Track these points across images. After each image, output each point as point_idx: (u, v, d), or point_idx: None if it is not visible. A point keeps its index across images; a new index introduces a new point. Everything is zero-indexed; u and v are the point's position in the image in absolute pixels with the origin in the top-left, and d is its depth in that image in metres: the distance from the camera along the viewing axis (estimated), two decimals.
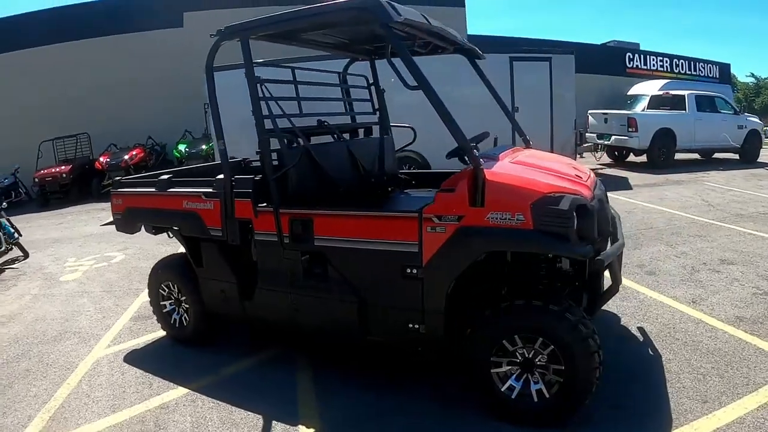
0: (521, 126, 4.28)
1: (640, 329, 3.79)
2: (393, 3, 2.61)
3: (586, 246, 2.45)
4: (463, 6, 20.20)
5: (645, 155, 12.45)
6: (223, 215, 3.41)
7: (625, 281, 4.75)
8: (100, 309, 5.11)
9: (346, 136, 4.40)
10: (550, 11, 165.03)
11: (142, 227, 4.15)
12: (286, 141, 3.24)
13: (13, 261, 7.52)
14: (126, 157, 13.99)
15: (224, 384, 3.41)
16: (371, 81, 4.57)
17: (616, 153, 13.32)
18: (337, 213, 2.98)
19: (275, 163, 3.14)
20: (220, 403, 3.17)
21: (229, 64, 8.65)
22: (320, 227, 3.00)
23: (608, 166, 13.18)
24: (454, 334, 2.78)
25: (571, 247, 2.39)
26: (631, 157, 13.33)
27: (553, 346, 2.49)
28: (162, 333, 4.25)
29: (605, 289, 3.00)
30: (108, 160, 14.09)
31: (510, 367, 2.64)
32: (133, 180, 4.33)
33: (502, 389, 2.65)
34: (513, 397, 2.63)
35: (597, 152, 13.83)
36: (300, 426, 2.86)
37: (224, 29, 3.11)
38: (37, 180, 13.70)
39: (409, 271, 2.70)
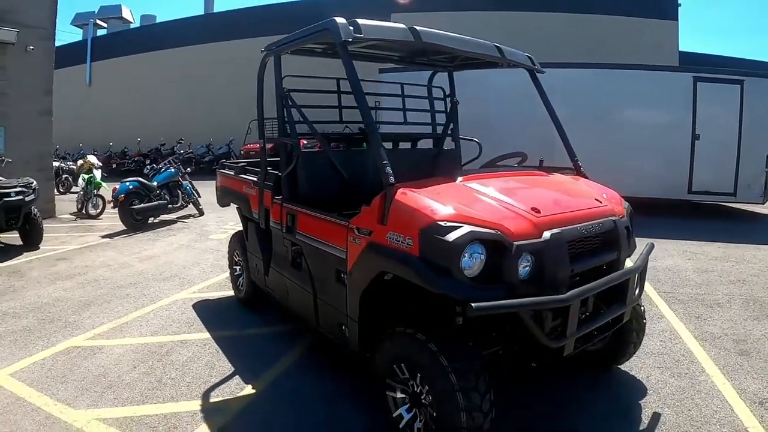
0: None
1: (655, 415, 3.15)
2: (357, 21, 2.74)
3: (483, 288, 2.19)
4: (676, 20, 17.80)
5: None
6: (258, 202, 4.06)
7: (700, 355, 3.92)
8: (213, 265, 6.37)
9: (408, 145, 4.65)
10: None
11: (231, 203, 5.11)
12: (291, 145, 3.64)
13: (188, 216, 9.71)
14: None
15: (236, 340, 4.06)
16: (447, 93, 4.68)
17: None
18: (305, 211, 3.29)
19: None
20: (219, 351, 3.81)
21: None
22: (300, 223, 3.37)
23: None
24: (369, 345, 2.80)
25: (448, 284, 2.16)
26: None
27: (427, 386, 2.35)
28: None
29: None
30: (305, 143, 16.45)
31: (404, 396, 2.54)
32: (229, 164, 5.34)
33: (394, 414, 2.57)
34: (400, 426, 2.53)
35: None
36: (249, 384, 3.31)
37: (266, 47, 3.70)
38: (242, 153, 16.99)
39: (342, 275, 2.87)
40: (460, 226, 2.22)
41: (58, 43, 10.97)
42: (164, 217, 9.30)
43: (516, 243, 2.27)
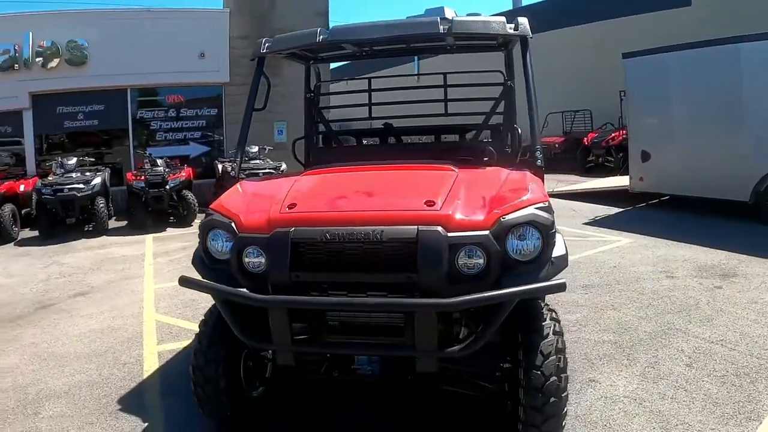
0: None
1: None
2: (273, 38, 3.45)
3: (219, 271, 2.50)
4: None
5: None
6: None
7: None
8: None
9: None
10: None
11: None
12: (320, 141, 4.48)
13: None
14: (609, 137, 14.63)
15: None
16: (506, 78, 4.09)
17: None
18: None
19: None
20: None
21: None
22: None
23: None
24: None
25: (199, 263, 2.63)
26: None
27: None
28: None
29: None
30: (594, 137, 15.16)
31: None
32: None
33: None
34: None
35: None
36: None
37: None
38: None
39: None
40: (212, 214, 2.62)
41: None
42: None
43: (240, 234, 2.44)
